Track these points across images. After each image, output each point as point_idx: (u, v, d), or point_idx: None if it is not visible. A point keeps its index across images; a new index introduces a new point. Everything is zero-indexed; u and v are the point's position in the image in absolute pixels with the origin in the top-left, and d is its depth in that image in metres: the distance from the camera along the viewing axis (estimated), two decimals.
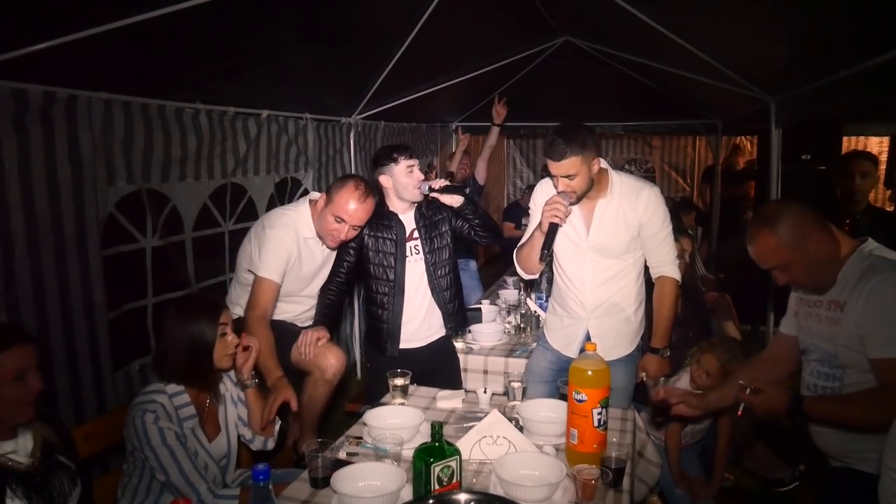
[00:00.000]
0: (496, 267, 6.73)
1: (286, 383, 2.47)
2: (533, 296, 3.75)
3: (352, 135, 4.75)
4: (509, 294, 4.15)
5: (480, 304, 3.89)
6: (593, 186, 2.44)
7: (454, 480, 1.77)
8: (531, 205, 2.72)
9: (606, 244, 2.54)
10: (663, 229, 2.56)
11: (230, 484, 2.28)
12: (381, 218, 2.90)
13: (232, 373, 2.41)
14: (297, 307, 3.09)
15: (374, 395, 2.84)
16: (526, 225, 2.82)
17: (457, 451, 1.79)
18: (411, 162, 2.85)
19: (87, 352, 2.69)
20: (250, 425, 2.34)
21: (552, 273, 2.81)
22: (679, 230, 3.11)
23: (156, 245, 3.19)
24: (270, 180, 4.01)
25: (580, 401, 1.95)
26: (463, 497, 1.65)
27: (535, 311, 3.59)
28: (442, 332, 3.07)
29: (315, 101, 4.16)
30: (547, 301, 3.10)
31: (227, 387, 2.34)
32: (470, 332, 3.41)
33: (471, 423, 2.19)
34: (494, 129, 4.89)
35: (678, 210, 5.03)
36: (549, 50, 4.99)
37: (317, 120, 4.33)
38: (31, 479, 1.70)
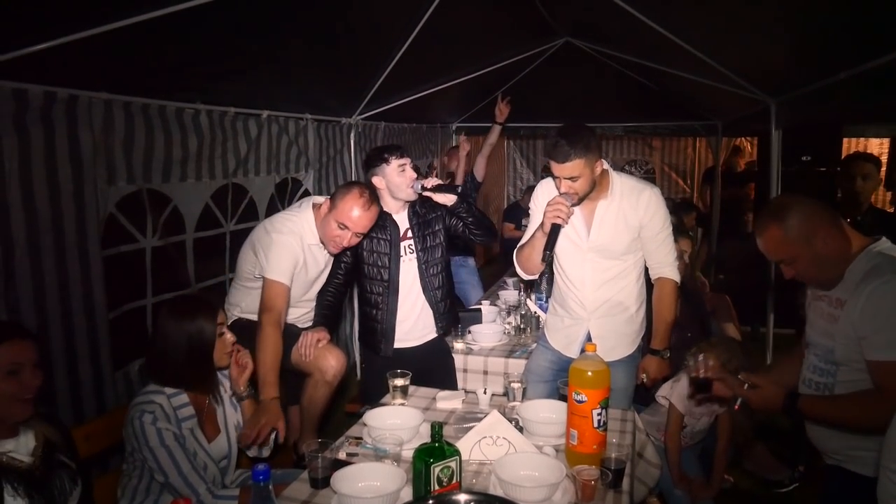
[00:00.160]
0: (496, 267, 6.73)
1: (278, 408, 2.42)
2: (533, 296, 3.75)
3: (352, 135, 4.75)
4: (509, 295, 4.15)
5: (480, 304, 3.89)
6: (595, 187, 2.44)
7: (454, 481, 1.77)
8: (531, 205, 2.72)
9: (607, 245, 2.54)
10: (663, 231, 2.56)
11: (229, 485, 2.27)
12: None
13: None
14: (298, 310, 3.09)
15: (371, 395, 2.84)
16: (526, 226, 2.83)
17: (456, 452, 1.79)
18: (403, 161, 2.85)
19: (86, 352, 2.69)
20: (241, 435, 2.33)
21: (552, 274, 2.81)
22: (679, 231, 3.11)
23: (156, 245, 3.19)
24: (271, 181, 4.01)
25: (580, 401, 1.95)
26: (463, 497, 1.65)
27: (535, 312, 3.59)
28: (436, 333, 3.07)
29: (315, 102, 4.16)
30: (547, 302, 3.10)
31: (227, 388, 2.34)
32: (470, 332, 3.41)
33: (471, 424, 2.19)
34: (496, 127, 4.90)
35: (679, 211, 5.03)
36: (549, 51, 4.99)
37: (317, 120, 4.33)
38: (33, 477, 1.70)
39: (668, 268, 2.61)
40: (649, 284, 2.68)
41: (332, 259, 3.02)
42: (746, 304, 4.59)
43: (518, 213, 6.14)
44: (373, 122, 5.02)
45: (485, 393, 2.52)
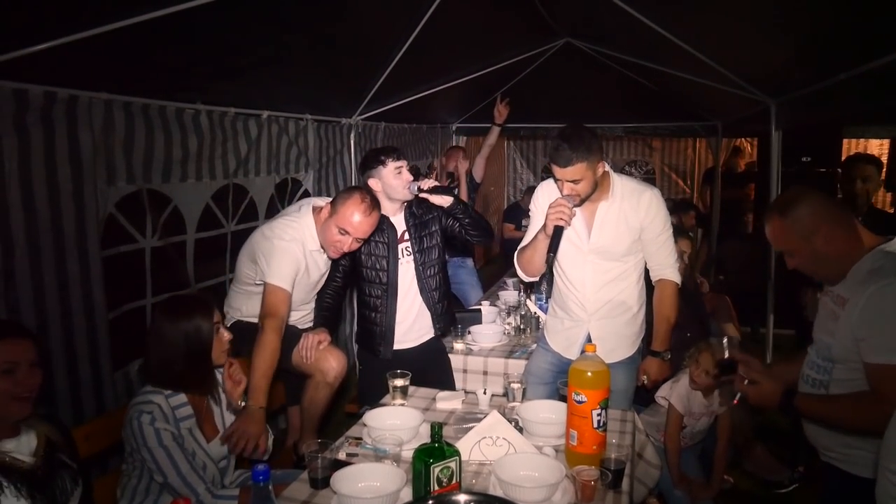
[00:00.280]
0: (495, 268, 6.74)
1: (262, 419, 2.34)
2: (533, 297, 3.75)
3: (352, 136, 4.75)
4: (509, 295, 4.16)
5: (480, 305, 3.90)
6: (597, 188, 2.44)
7: (454, 481, 1.77)
8: (532, 207, 2.72)
9: (608, 247, 2.54)
10: (664, 233, 2.56)
11: (228, 485, 2.28)
12: None
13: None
14: (297, 314, 3.09)
15: (368, 397, 2.84)
16: (526, 226, 2.82)
17: (456, 452, 1.79)
18: (399, 164, 2.85)
19: (86, 352, 2.69)
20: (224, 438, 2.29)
21: (552, 275, 2.81)
22: (678, 231, 3.11)
23: (155, 245, 3.19)
24: (271, 181, 4.01)
25: (580, 402, 1.95)
26: (462, 498, 1.65)
27: (535, 313, 3.59)
28: (433, 333, 3.07)
29: (316, 102, 4.16)
30: (547, 302, 3.10)
31: (225, 389, 2.34)
32: (470, 332, 3.41)
33: (470, 424, 2.19)
34: (494, 128, 4.90)
35: (677, 210, 5.04)
36: (549, 51, 4.99)
37: (317, 121, 4.33)
38: (35, 477, 1.70)
39: (668, 269, 2.61)
40: (649, 286, 2.68)
41: (330, 263, 3.02)
42: (746, 304, 4.60)
43: (518, 213, 6.14)
44: (373, 123, 5.02)
45: (484, 393, 2.52)
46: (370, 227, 2.73)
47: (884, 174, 5.16)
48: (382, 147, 2.98)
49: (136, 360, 3.07)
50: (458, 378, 3.22)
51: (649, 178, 9.14)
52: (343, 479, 1.80)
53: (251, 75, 3.26)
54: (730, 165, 7.20)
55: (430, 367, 3.01)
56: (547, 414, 2.26)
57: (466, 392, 2.72)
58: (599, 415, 1.95)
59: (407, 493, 1.81)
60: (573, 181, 2.34)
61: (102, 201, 2.77)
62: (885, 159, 7.06)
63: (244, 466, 2.45)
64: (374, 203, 2.73)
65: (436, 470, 1.73)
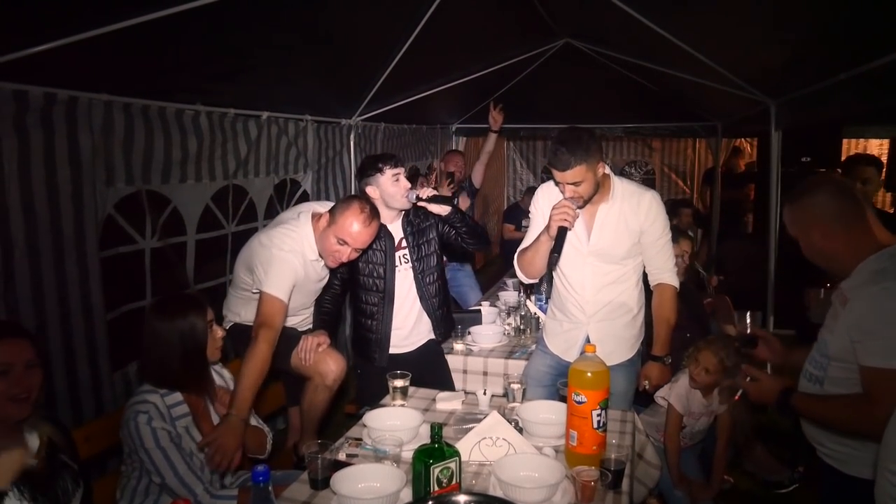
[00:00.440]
0: (494, 268, 6.74)
1: (240, 432, 2.23)
2: (532, 297, 3.75)
3: (352, 136, 4.75)
4: (509, 296, 4.15)
5: (480, 305, 3.90)
6: (599, 188, 2.44)
7: (454, 482, 1.77)
8: (532, 209, 2.71)
9: (607, 249, 2.53)
10: (663, 236, 2.56)
11: (228, 485, 2.27)
12: None
13: (224, 372, 2.40)
14: (296, 318, 3.09)
15: (366, 400, 2.83)
16: (526, 227, 2.82)
17: (456, 453, 1.79)
18: (397, 171, 2.83)
19: (85, 353, 2.69)
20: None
21: (552, 276, 2.80)
22: (677, 231, 3.11)
23: (155, 246, 3.19)
24: (270, 182, 4.01)
25: (579, 402, 1.95)
26: (462, 498, 1.65)
27: (535, 313, 3.59)
28: (430, 336, 3.07)
29: (315, 103, 4.17)
30: (546, 303, 3.10)
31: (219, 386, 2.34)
32: (469, 333, 3.41)
33: (470, 425, 2.19)
34: (492, 135, 4.90)
35: (675, 208, 5.04)
36: (549, 52, 4.99)
37: (317, 121, 4.33)
38: (37, 479, 1.69)
39: (667, 273, 2.61)
40: (648, 289, 2.68)
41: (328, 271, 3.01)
42: (746, 305, 4.59)
43: (518, 214, 6.14)
44: (373, 123, 5.02)
45: (484, 394, 2.51)
46: (369, 238, 2.68)
47: (884, 174, 5.17)
48: (380, 154, 2.97)
49: (136, 362, 3.07)
50: (457, 379, 3.22)
51: (649, 179, 9.15)
52: (343, 480, 1.80)
53: (251, 76, 3.27)
54: (730, 166, 7.20)
55: (428, 371, 3.00)
56: (547, 414, 2.25)
57: (466, 393, 2.71)
58: (599, 415, 1.95)
59: (407, 494, 1.81)
60: (574, 184, 2.34)
61: (101, 202, 2.77)
62: (885, 159, 7.07)
63: (244, 467, 2.45)
64: (374, 213, 2.68)
65: (436, 471, 1.73)
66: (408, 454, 1.92)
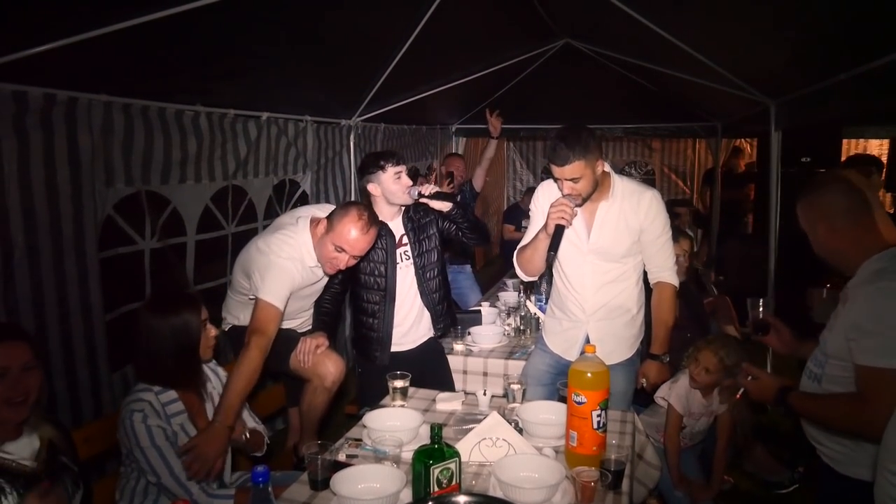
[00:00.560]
0: (494, 269, 6.74)
1: (224, 440, 2.17)
2: (532, 298, 3.75)
3: (352, 137, 4.75)
4: (509, 296, 4.15)
5: (480, 306, 3.89)
6: (597, 187, 2.44)
7: (453, 482, 1.77)
8: (532, 207, 2.72)
9: (607, 247, 2.54)
10: (663, 235, 2.56)
11: (229, 484, 2.27)
12: None
13: (219, 370, 2.40)
14: (296, 321, 3.09)
15: (367, 400, 2.83)
16: (526, 227, 2.82)
17: (456, 454, 1.79)
18: (398, 168, 2.83)
19: (84, 354, 2.69)
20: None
21: (552, 275, 2.80)
22: (678, 231, 3.11)
23: (154, 247, 3.18)
24: (269, 182, 4.01)
25: (579, 403, 1.95)
26: (462, 499, 1.65)
27: (535, 314, 3.59)
28: (431, 334, 3.07)
29: (315, 104, 4.16)
30: (546, 303, 3.10)
31: (214, 384, 2.34)
32: (469, 334, 3.41)
33: (470, 426, 2.19)
34: (493, 141, 4.90)
35: (671, 208, 5.03)
36: (549, 52, 5.00)
37: (317, 122, 4.32)
38: (38, 480, 1.69)
39: (667, 272, 2.61)
40: (648, 289, 2.68)
41: None
42: (746, 305, 4.58)
43: (518, 214, 6.14)
44: (372, 124, 5.02)
45: (484, 394, 2.51)
46: (367, 245, 2.65)
47: (884, 175, 5.17)
48: (381, 151, 2.97)
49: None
50: (457, 379, 3.22)
51: (649, 179, 9.14)
52: (343, 481, 1.80)
53: (251, 77, 3.27)
54: (730, 166, 7.20)
55: (429, 369, 3.01)
56: (547, 415, 2.25)
57: (466, 393, 2.71)
58: (599, 416, 1.95)
59: (407, 495, 1.81)
60: (572, 180, 2.34)
61: (101, 203, 2.77)
62: (884, 159, 7.07)
63: (244, 468, 2.45)
64: (372, 220, 2.63)
65: (435, 471, 1.73)
66: (408, 455, 1.92)
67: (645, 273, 2.66)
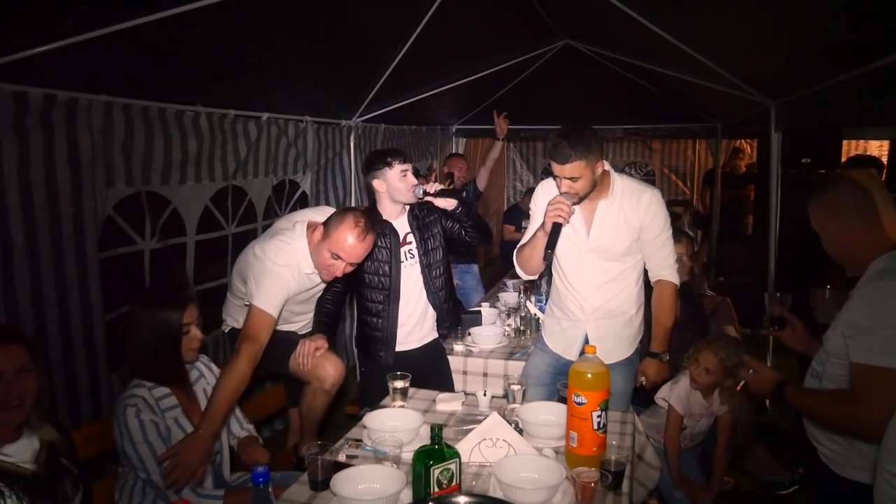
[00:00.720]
0: (495, 269, 6.73)
1: (208, 448, 2.15)
2: (532, 298, 3.75)
3: (352, 137, 4.75)
4: (509, 297, 4.15)
5: (480, 306, 3.89)
6: (595, 187, 2.44)
7: (454, 483, 1.77)
8: (532, 206, 2.72)
9: (607, 246, 2.54)
10: (663, 233, 2.56)
11: (231, 483, 2.27)
12: None
13: (214, 366, 2.41)
14: (296, 324, 3.08)
15: (369, 400, 2.83)
16: (526, 227, 2.82)
17: (456, 454, 1.78)
18: (405, 167, 2.83)
19: (83, 354, 2.69)
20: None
21: (552, 275, 2.81)
22: (678, 231, 3.11)
23: (154, 247, 3.18)
24: (268, 183, 4.01)
25: (579, 403, 1.95)
26: (462, 500, 1.65)
27: (535, 314, 3.59)
28: (434, 335, 3.07)
29: (315, 104, 4.16)
30: (546, 303, 3.10)
31: (208, 380, 2.34)
32: (470, 334, 3.41)
33: (470, 426, 2.18)
34: (498, 143, 4.91)
35: (671, 206, 5.04)
36: (549, 53, 4.99)
37: (317, 123, 4.32)
38: (38, 483, 1.69)
39: (667, 270, 2.61)
40: (648, 288, 2.68)
41: None
42: (747, 305, 4.59)
43: (518, 214, 6.14)
44: (372, 124, 5.02)
45: (484, 395, 2.51)
46: (364, 252, 2.61)
47: (884, 175, 5.17)
48: (388, 149, 2.96)
49: None
50: (458, 380, 3.22)
51: (649, 180, 9.13)
52: (343, 481, 1.80)
53: (251, 77, 3.27)
54: (730, 167, 7.20)
55: (431, 369, 3.01)
56: (547, 415, 2.25)
57: (466, 394, 2.71)
58: (599, 416, 1.95)
59: (407, 495, 1.81)
60: (571, 179, 2.34)
61: (101, 203, 2.77)
62: (885, 160, 7.07)
63: (244, 468, 2.45)
64: (369, 226, 2.58)
65: (436, 472, 1.73)
66: (408, 455, 1.92)
67: (646, 272, 2.66)
